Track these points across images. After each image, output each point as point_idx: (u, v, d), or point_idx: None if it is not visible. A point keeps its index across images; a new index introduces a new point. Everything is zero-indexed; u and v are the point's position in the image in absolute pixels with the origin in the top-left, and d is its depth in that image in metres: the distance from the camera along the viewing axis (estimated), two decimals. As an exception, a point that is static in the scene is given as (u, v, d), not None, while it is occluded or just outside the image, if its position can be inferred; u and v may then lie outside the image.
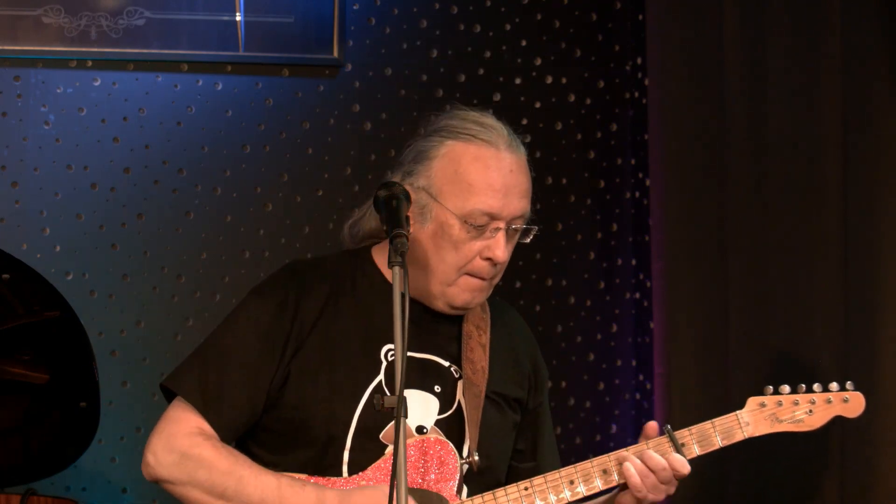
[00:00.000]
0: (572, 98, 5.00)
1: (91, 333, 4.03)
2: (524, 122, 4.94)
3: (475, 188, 3.07)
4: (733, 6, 4.44)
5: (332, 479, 3.04)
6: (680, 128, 4.56)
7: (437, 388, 3.14)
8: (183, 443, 3.04)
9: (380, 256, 3.21)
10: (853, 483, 4.27)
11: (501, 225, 3.08)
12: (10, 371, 3.98)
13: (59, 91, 4.63)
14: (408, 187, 3.06)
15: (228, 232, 4.72)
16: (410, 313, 2.97)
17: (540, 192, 4.96)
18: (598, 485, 3.09)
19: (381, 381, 3.09)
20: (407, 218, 2.93)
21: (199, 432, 3.05)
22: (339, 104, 4.80)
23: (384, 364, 3.11)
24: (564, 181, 4.98)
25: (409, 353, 3.11)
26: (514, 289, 4.93)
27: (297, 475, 3.05)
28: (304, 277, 3.16)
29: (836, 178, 4.32)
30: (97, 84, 4.66)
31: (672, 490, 3.11)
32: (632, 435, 4.93)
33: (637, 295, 4.98)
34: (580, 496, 3.10)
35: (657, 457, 3.08)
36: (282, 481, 3.01)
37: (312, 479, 3.04)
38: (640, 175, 4.93)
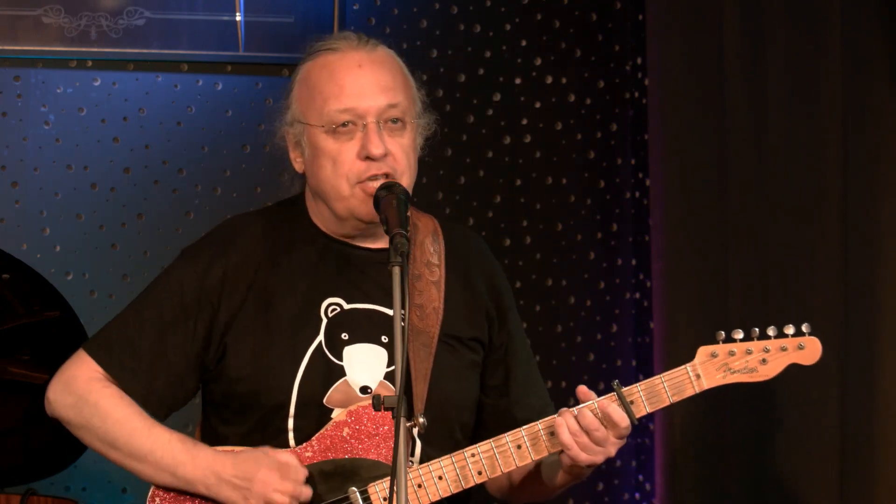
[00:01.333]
0: (572, 98, 5.00)
1: (91, 333, 4.02)
2: (524, 122, 4.95)
3: (326, 93, 3.02)
4: (733, 6, 4.44)
5: (281, 450, 3.00)
6: (680, 128, 4.55)
7: (384, 339, 3.06)
8: (81, 386, 3.02)
9: (310, 202, 3.13)
10: (854, 481, 4.27)
11: (369, 119, 2.99)
12: (10, 371, 3.99)
13: (59, 91, 4.64)
14: (285, 128, 3.08)
15: (228, 232, 4.72)
16: (353, 259, 2.99)
17: (540, 192, 5.02)
18: (547, 447, 3.00)
19: (320, 342, 3.03)
20: (407, 218, 2.90)
21: (99, 378, 3.03)
22: (339, 104, 4.80)
23: (324, 321, 3.04)
24: (564, 181, 4.98)
25: (353, 305, 3.05)
26: (514, 289, 4.91)
27: (240, 448, 3.00)
28: (235, 239, 3.10)
29: (836, 178, 4.32)
30: (97, 84, 4.66)
31: (612, 451, 2.99)
32: (631, 435, 4.93)
33: (637, 295, 4.98)
34: (528, 460, 3.01)
35: (590, 415, 2.97)
36: (174, 437, 2.98)
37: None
38: (640, 175, 4.93)
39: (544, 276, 4.97)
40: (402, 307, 2.70)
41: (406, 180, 3.03)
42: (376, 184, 2.98)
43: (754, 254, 4.41)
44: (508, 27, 4.95)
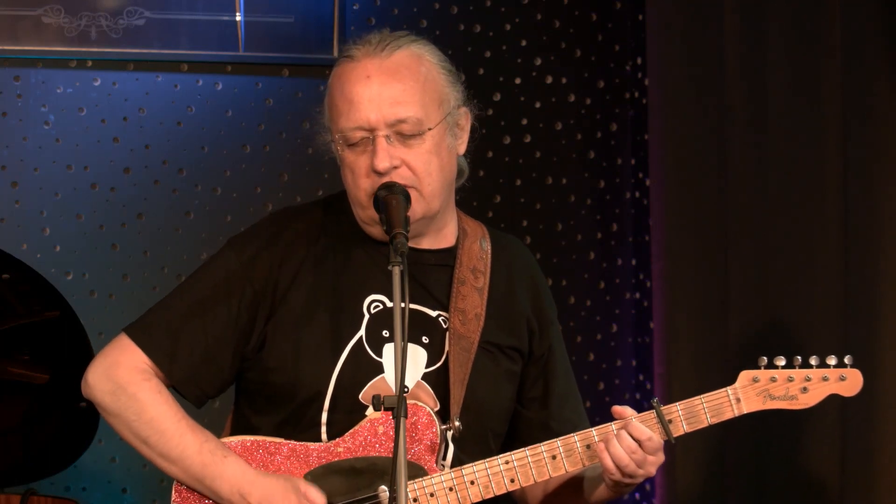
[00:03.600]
0: (572, 98, 5.00)
1: (91, 333, 4.03)
2: (524, 122, 4.95)
3: (340, 108, 2.98)
4: (733, 6, 4.44)
5: (310, 444, 2.99)
6: (680, 128, 4.55)
7: (425, 339, 3.04)
8: (123, 375, 2.99)
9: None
10: (854, 481, 4.27)
11: (378, 133, 2.93)
12: (10, 371, 3.99)
13: (59, 91, 4.64)
14: (325, 134, 3.04)
15: (228, 232, 4.70)
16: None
17: (540, 192, 5.02)
18: (582, 459, 2.98)
19: (361, 337, 3.01)
20: (407, 218, 2.90)
21: (142, 370, 2.99)
22: (339, 104, 4.80)
23: (366, 317, 3.03)
24: (564, 181, 4.98)
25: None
26: (514, 289, 4.93)
27: (272, 440, 2.99)
28: (282, 232, 3.08)
29: (836, 177, 4.32)
30: (97, 84, 4.66)
31: (652, 471, 2.95)
32: (632, 435, 4.93)
33: (637, 295, 4.98)
34: (562, 471, 2.99)
35: (642, 427, 2.92)
36: (205, 446, 2.96)
37: (288, 445, 2.99)
38: (640, 175, 4.93)
39: (544, 275, 4.96)
40: (403, 306, 2.69)
41: (428, 186, 2.98)
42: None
43: (754, 254, 4.42)
44: (508, 27, 4.95)
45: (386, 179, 2.94)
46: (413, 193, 2.96)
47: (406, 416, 2.65)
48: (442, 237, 3.11)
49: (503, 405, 3.12)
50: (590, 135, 5.00)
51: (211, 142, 4.73)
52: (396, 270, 2.75)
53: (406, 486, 2.61)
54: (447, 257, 3.10)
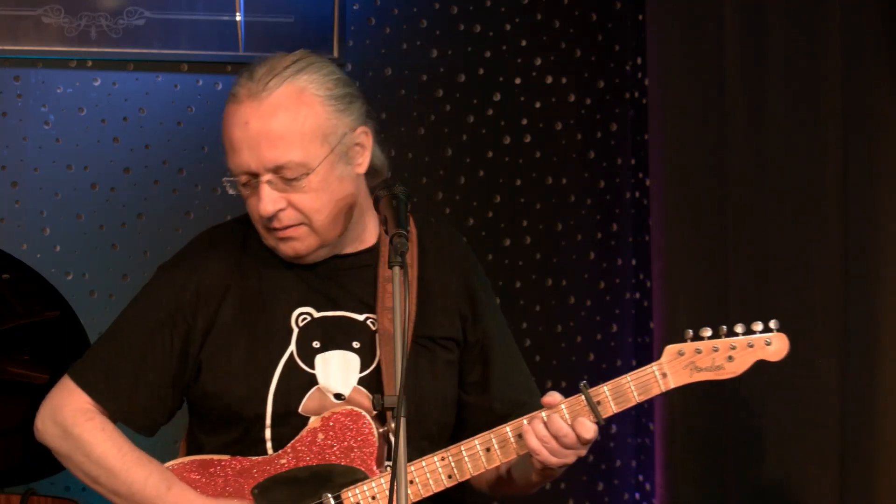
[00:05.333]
0: (572, 98, 5.00)
1: (91, 333, 4.03)
2: (524, 122, 4.95)
3: (227, 149, 2.98)
4: (733, 6, 4.44)
5: (255, 458, 3.03)
6: (680, 128, 4.55)
7: (356, 344, 3.07)
8: (67, 418, 3.05)
9: None
10: (854, 482, 4.27)
11: (261, 179, 2.93)
12: (10, 371, 3.99)
13: (59, 91, 4.64)
14: None
15: (228, 232, 4.72)
16: (320, 269, 2.99)
17: (540, 192, 5.02)
18: (516, 449, 3.00)
19: (292, 352, 3.05)
20: (407, 218, 2.91)
21: (85, 410, 3.06)
22: (339, 104, 4.80)
23: (295, 331, 3.06)
24: (564, 181, 4.98)
25: (323, 313, 3.08)
26: (514, 289, 4.93)
27: (218, 457, 3.04)
28: (207, 254, 3.11)
29: (836, 178, 4.32)
30: (97, 84, 4.66)
31: (582, 452, 2.99)
32: (632, 434, 4.94)
33: (637, 295, 4.98)
34: (497, 462, 3.02)
35: (559, 421, 2.96)
36: (149, 481, 3.01)
37: (235, 460, 3.04)
38: (640, 175, 4.94)
39: (544, 276, 4.97)
40: (402, 307, 2.70)
41: (318, 221, 2.99)
42: (278, 233, 2.98)
43: (754, 254, 4.41)
44: (508, 27, 4.95)
45: (275, 223, 2.96)
46: (303, 229, 2.99)
47: (405, 416, 2.65)
48: (362, 240, 3.13)
49: (446, 395, 3.14)
50: (590, 135, 5.00)
51: (211, 142, 4.73)
52: (397, 270, 2.75)
53: (406, 486, 2.62)
54: (369, 257, 3.12)
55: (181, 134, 4.72)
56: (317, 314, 3.07)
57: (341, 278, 3.09)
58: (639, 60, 4.95)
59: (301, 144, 2.94)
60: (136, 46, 4.65)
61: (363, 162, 3.05)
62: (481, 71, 4.93)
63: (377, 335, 3.07)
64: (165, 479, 3.02)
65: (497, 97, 4.93)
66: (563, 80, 4.98)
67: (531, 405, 3.09)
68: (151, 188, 4.70)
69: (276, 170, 2.93)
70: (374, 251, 3.13)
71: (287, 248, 3.02)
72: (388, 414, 3.00)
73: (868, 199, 4.32)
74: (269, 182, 2.94)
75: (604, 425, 3.03)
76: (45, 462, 4.02)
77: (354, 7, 4.81)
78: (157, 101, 4.70)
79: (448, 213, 4.88)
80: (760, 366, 3.18)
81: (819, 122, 4.36)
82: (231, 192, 3.01)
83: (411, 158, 4.86)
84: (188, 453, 3.12)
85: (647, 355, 4.78)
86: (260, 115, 2.93)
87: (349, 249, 3.10)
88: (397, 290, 2.73)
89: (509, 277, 4.93)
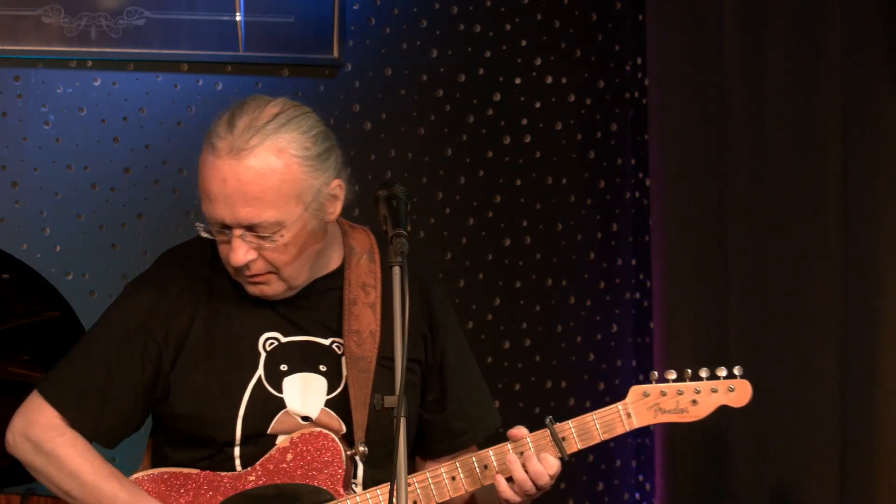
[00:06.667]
0: (572, 98, 5.00)
1: (91, 333, 4.03)
2: (524, 122, 4.94)
3: (202, 194, 3.03)
4: (733, 6, 4.44)
5: (223, 474, 3.06)
6: (680, 128, 4.55)
7: (323, 367, 3.09)
8: (39, 434, 3.09)
9: None
10: (854, 482, 4.27)
11: (234, 233, 2.97)
12: (10, 371, 3.98)
13: (59, 91, 4.64)
14: None
15: (228, 232, 4.71)
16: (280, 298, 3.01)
17: (540, 192, 5.02)
18: (481, 479, 3.05)
19: (260, 377, 3.07)
20: (407, 218, 2.91)
21: (55, 425, 3.09)
22: (339, 104, 4.80)
23: (263, 356, 3.09)
24: (564, 181, 4.98)
25: (289, 338, 3.10)
26: (514, 289, 4.93)
27: (188, 470, 3.07)
28: (176, 274, 3.14)
29: (836, 178, 4.32)
30: (97, 84, 4.66)
31: (547, 488, 3.07)
32: (631, 435, 4.93)
33: (637, 295, 4.98)
34: (462, 491, 3.07)
35: (536, 464, 3.03)
36: (119, 496, 3.04)
37: (203, 474, 3.07)
38: (640, 175, 4.93)
39: (544, 276, 4.97)
40: (402, 307, 2.72)
41: (287, 270, 3.02)
42: (250, 279, 3.01)
43: (754, 254, 4.41)
44: (508, 27, 4.95)
45: (245, 271, 2.99)
46: (272, 276, 3.02)
47: (405, 416, 2.68)
48: (326, 265, 3.14)
49: (410, 416, 3.08)
50: (590, 135, 5.00)
51: (211, 142, 4.73)
52: (397, 270, 2.77)
53: (406, 485, 2.63)
54: (334, 280, 3.14)
55: (181, 134, 4.71)
56: (283, 339, 3.10)
57: (306, 303, 3.11)
58: (639, 60, 4.95)
59: (276, 206, 2.95)
60: (136, 46, 4.65)
61: (335, 211, 3.06)
62: (481, 71, 4.93)
63: (343, 358, 3.10)
64: (134, 495, 3.05)
65: (497, 97, 4.93)
66: (563, 80, 4.98)
67: (488, 422, 3.20)
68: (151, 188, 4.70)
69: (250, 227, 2.96)
70: (338, 274, 3.14)
71: (255, 290, 3.05)
72: (356, 437, 3.05)
73: (868, 199, 4.32)
74: (241, 236, 2.97)
75: (567, 461, 3.09)
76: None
77: (354, 7, 4.81)
78: (157, 101, 4.69)
79: (448, 213, 4.88)
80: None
81: (819, 122, 4.35)
82: (204, 235, 3.04)
83: (411, 158, 4.86)
84: (153, 465, 3.15)
85: (648, 355, 4.79)
86: (237, 174, 2.96)
87: (313, 274, 3.12)
88: (397, 290, 2.74)
89: (509, 277, 4.92)
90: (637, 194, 4.97)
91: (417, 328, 3.17)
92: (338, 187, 3.04)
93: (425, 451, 3.18)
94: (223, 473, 3.07)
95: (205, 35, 4.69)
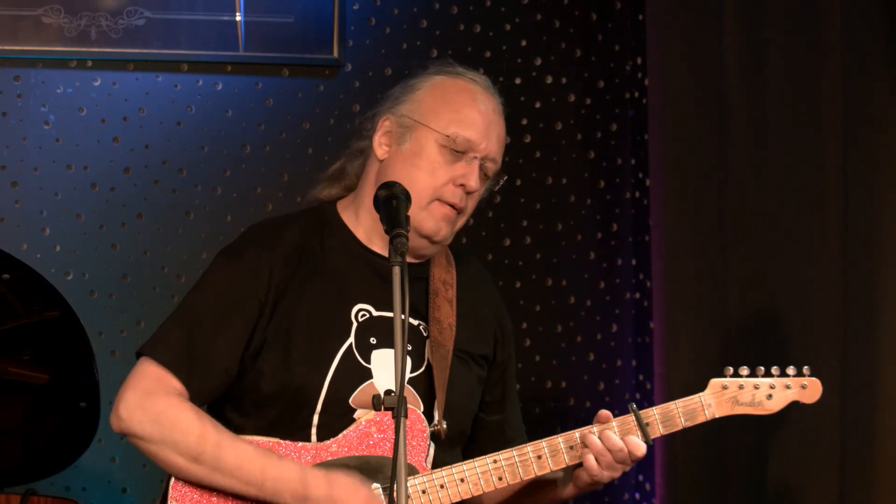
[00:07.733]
0: (572, 98, 5.00)
1: (91, 333, 4.03)
2: (524, 122, 4.94)
3: (461, 114, 3.17)
4: (733, 6, 4.44)
5: (300, 444, 3.08)
6: (680, 128, 4.56)
7: (409, 347, 3.16)
8: (160, 401, 3.05)
9: (346, 212, 3.26)
10: (854, 483, 4.27)
11: (479, 156, 3.16)
12: (10, 371, 3.99)
13: (59, 91, 4.64)
14: (390, 115, 3.19)
15: (228, 232, 4.72)
16: (381, 271, 3.10)
17: (540, 192, 5.02)
18: (566, 459, 3.15)
19: (351, 344, 3.13)
20: (407, 218, 2.92)
21: (176, 392, 3.06)
22: (339, 104, 4.81)
23: (354, 325, 3.14)
24: (564, 181, 4.98)
25: (381, 313, 3.17)
26: (514, 289, 4.93)
27: (264, 440, 3.07)
28: (272, 240, 3.18)
29: (836, 178, 4.32)
30: (97, 84, 4.66)
31: (628, 468, 3.18)
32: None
33: (637, 295, 4.98)
34: (547, 470, 3.15)
35: (614, 437, 3.14)
36: (258, 451, 3.03)
37: (282, 444, 3.07)
38: (640, 175, 4.93)
39: (544, 276, 4.97)
40: (402, 307, 2.74)
41: (462, 221, 3.22)
42: (448, 210, 3.15)
43: (754, 254, 4.41)
44: (508, 27, 4.95)
45: (458, 200, 3.14)
46: (460, 218, 3.20)
47: (406, 416, 2.69)
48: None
49: (474, 409, 3.30)
50: (590, 135, 5.00)
51: (211, 142, 4.74)
52: (396, 270, 2.78)
53: (406, 485, 2.63)
54: (423, 270, 3.27)
55: (181, 134, 4.72)
56: (375, 313, 3.17)
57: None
58: (639, 60, 4.95)
59: (502, 153, 3.24)
60: (136, 46, 4.65)
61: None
62: (481, 71, 4.89)
63: (427, 341, 3.20)
64: (273, 453, 3.05)
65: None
66: (563, 80, 4.98)
67: (524, 438, 3.33)
68: (151, 188, 4.70)
69: (491, 161, 3.19)
70: (425, 266, 3.27)
71: (441, 225, 3.16)
72: (437, 414, 3.13)
73: (868, 199, 4.31)
74: (480, 166, 3.18)
75: (651, 446, 3.21)
76: (45, 462, 4.03)
77: (354, 7, 4.81)
78: (157, 101, 4.70)
79: (448, 213, 4.87)
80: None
81: (819, 123, 4.35)
82: (427, 143, 3.15)
83: (411, 158, 4.86)
84: None
85: (648, 355, 4.79)
86: (496, 111, 3.24)
87: (411, 260, 3.18)
88: (397, 289, 2.75)
89: (509, 277, 4.93)
90: (637, 194, 4.97)
91: (492, 327, 3.34)
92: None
93: (472, 447, 3.26)
94: (303, 443, 3.08)
95: (205, 35, 4.69)
